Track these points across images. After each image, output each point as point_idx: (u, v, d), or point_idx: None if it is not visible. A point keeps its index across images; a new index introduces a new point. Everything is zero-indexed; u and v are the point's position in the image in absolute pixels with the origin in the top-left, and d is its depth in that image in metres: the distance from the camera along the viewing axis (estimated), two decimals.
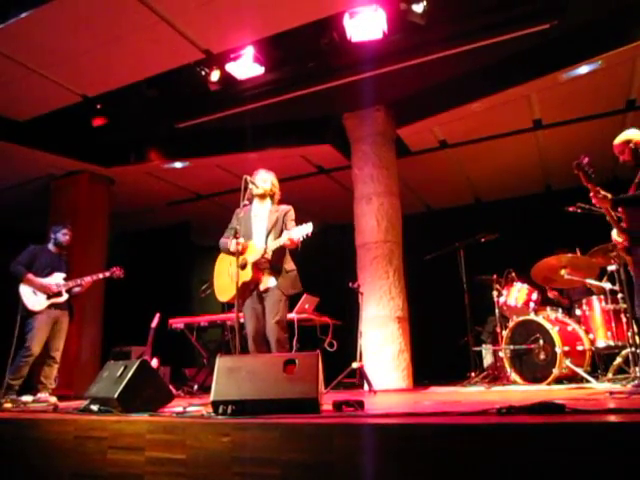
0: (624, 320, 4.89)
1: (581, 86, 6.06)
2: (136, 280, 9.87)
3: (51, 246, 5.53)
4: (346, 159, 7.35)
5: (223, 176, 8.14)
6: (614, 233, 3.77)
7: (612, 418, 1.82)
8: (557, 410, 1.99)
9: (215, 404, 2.54)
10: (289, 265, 4.06)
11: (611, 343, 5.04)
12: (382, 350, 6.11)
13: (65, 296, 5.36)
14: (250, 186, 3.93)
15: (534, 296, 5.53)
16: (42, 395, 5.16)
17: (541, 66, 5.79)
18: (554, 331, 4.95)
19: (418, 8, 4.78)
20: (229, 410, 2.47)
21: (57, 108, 6.28)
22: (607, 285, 5.05)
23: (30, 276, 5.21)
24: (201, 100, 6.37)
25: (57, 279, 5.35)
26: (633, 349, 4.53)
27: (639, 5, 5.09)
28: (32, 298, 5.18)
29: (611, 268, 4.97)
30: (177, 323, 6.19)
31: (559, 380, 4.95)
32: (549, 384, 4.86)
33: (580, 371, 4.85)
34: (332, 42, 5.30)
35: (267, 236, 3.99)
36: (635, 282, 3.58)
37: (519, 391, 4.62)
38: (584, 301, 5.41)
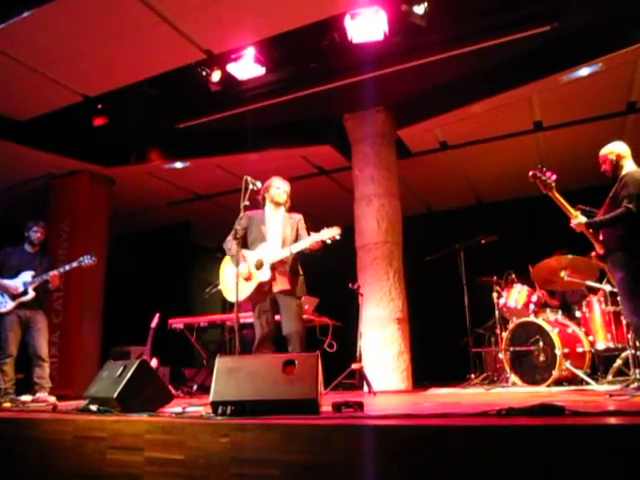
0: (624, 322, 4.88)
1: (582, 88, 6.06)
2: (136, 280, 9.93)
3: (26, 245, 5.48)
4: (347, 160, 7.34)
5: (223, 176, 8.15)
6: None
7: (612, 420, 1.82)
8: (557, 412, 1.99)
9: (214, 404, 2.54)
10: (300, 269, 4.25)
11: (611, 345, 5.03)
12: (382, 351, 6.11)
13: (31, 294, 5.25)
14: (251, 186, 3.93)
15: (534, 298, 5.52)
16: (41, 395, 5.15)
17: (542, 68, 5.80)
18: (554, 333, 4.95)
19: (419, 10, 4.78)
20: (228, 411, 2.46)
21: (58, 108, 6.28)
22: (607, 287, 5.05)
23: None
24: (202, 100, 6.37)
25: (24, 278, 5.28)
26: (633, 351, 4.53)
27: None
28: None
29: None
30: (177, 323, 6.18)
31: (559, 382, 4.95)
32: (549, 386, 4.85)
33: (580, 373, 4.84)
34: (333, 43, 5.30)
35: (283, 241, 4.15)
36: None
37: (519, 393, 4.61)
38: (584, 303, 5.41)
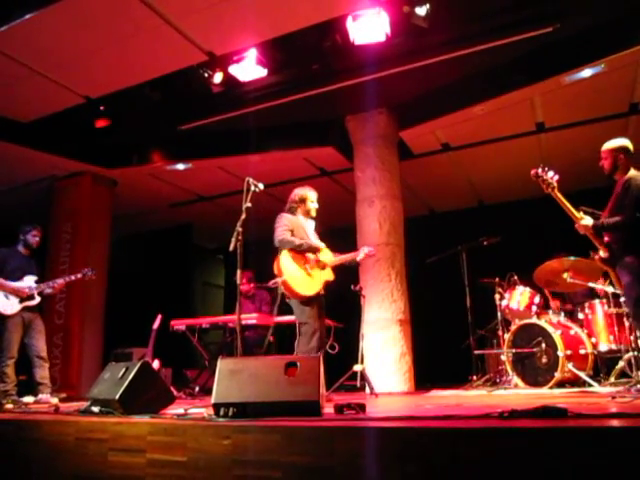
0: (627, 324, 4.88)
1: (584, 89, 6.06)
2: (138, 281, 9.94)
3: (21, 248, 5.49)
4: (348, 161, 7.34)
5: (225, 178, 8.15)
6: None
7: (614, 422, 1.82)
8: (559, 414, 1.98)
9: (216, 406, 2.54)
10: None
11: (613, 347, 5.03)
12: (384, 353, 6.10)
13: (37, 299, 5.35)
14: (252, 188, 3.93)
15: (536, 299, 5.51)
16: (43, 396, 5.17)
17: (544, 69, 5.79)
18: (556, 335, 4.94)
19: (421, 11, 4.78)
20: (230, 412, 2.46)
21: (60, 109, 6.30)
22: (610, 289, 5.04)
23: (1, 280, 5.19)
24: (204, 102, 6.38)
25: (29, 282, 5.33)
26: (636, 353, 4.52)
27: None
28: (4, 302, 5.18)
29: None
30: (178, 325, 6.18)
31: (561, 384, 4.94)
32: (551, 388, 4.84)
33: (582, 375, 4.83)
34: (335, 45, 5.31)
35: None
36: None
37: (521, 395, 4.60)
38: (586, 305, 5.40)
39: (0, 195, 8.39)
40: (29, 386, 5.35)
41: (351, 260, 4.68)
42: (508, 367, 5.30)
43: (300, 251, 4.39)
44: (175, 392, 4.54)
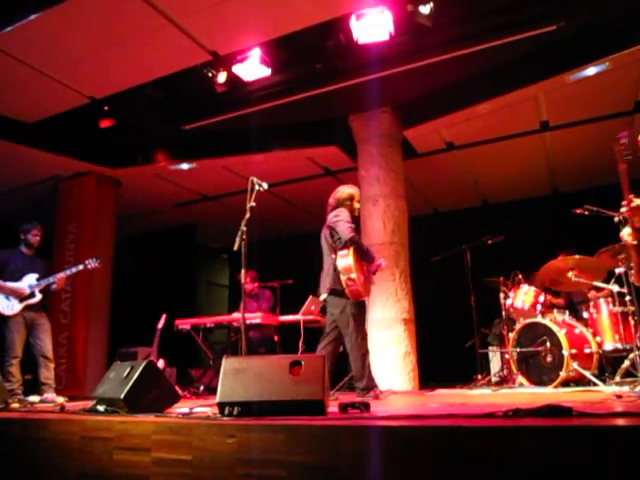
0: (632, 322, 4.86)
1: (589, 87, 6.04)
2: (143, 281, 9.97)
3: (23, 248, 5.50)
4: (352, 161, 7.34)
5: (229, 177, 8.16)
6: (625, 232, 3.73)
7: (620, 422, 1.81)
8: (564, 413, 1.98)
9: (221, 405, 2.54)
10: None
11: (619, 346, 5.00)
12: (388, 352, 6.09)
13: (38, 297, 5.33)
14: (257, 187, 3.93)
15: (541, 298, 5.49)
16: (49, 395, 5.19)
17: (548, 68, 5.77)
18: (561, 334, 4.93)
19: (425, 10, 4.78)
20: (235, 411, 2.47)
21: (65, 110, 6.32)
22: (615, 287, 5.02)
23: (0, 282, 5.21)
24: (208, 102, 6.39)
25: (29, 280, 5.33)
26: None
27: None
28: (4, 303, 5.19)
29: (619, 270, 4.94)
30: (183, 324, 6.19)
31: (566, 383, 4.92)
32: (556, 387, 4.83)
33: (587, 374, 4.82)
34: (338, 44, 5.31)
35: None
36: None
37: (526, 394, 4.59)
38: (591, 304, 5.38)
39: (5, 195, 8.43)
40: (35, 385, 5.37)
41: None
42: (513, 366, 5.29)
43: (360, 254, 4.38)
44: (180, 391, 4.55)
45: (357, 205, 4.71)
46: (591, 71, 5.66)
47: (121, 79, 5.80)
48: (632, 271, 3.67)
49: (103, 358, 7.46)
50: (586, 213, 4.86)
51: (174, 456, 2.23)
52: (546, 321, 5.13)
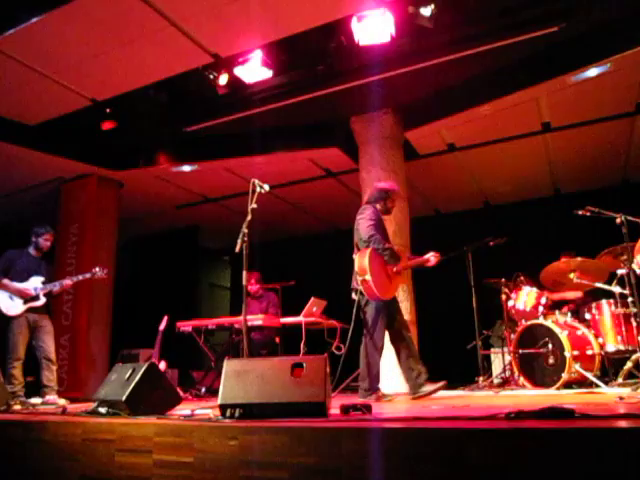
0: (634, 324, 4.85)
1: (590, 89, 6.03)
2: (144, 283, 9.98)
3: (31, 249, 5.50)
4: (354, 162, 7.34)
5: (231, 179, 8.17)
6: None
7: (622, 423, 1.81)
8: (566, 415, 1.97)
9: (223, 407, 2.54)
10: None
11: (621, 347, 4.99)
12: (390, 354, 6.07)
13: (43, 300, 5.34)
14: (258, 189, 3.93)
15: (543, 300, 5.49)
16: (50, 397, 5.19)
17: (550, 69, 5.77)
18: (563, 335, 4.92)
19: (426, 11, 4.78)
20: (236, 413, 2.47)
21: (67, 112, 6.33)
22: (617, 289, 5.01)
23: (5, 281, 5.20)
24: (209, 104, 6.40)
25: (35, 283, 5.33)
26: None
27: None
28: (8, 303, 5.18)
29: (621, 271, 4.93)
30: (185, 326, 6.19)
31: (568, 385, 4.91)
32: (558, 389, 4.82)
33: (590, 376, 4.81)
34: (340, 46, 5.32)
35: None
36: None
37: (528, 396, 4.58)
38: (593, 305, 5.37)
39: (7, 197, 8.45)
40: (36, 387, 5.37)
41: (420, 264, 4.59)
42: (515, 368, 5.28)
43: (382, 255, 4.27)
44: (181, 393, 4.56)
45: (391, 205, 4.53)
46: (593, 72, 5.66)
47: (123, 81, 5.81)
48: None
49: (105, 360, 7.47)
50: (588, 214, 4.85)
51: (176, 458, 2.23)
52: (548, 323, 5.12)
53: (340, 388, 5.44)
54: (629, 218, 4.73)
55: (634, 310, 4.77)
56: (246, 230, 3.83)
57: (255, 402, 2.52)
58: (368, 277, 4.08)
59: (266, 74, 5.52)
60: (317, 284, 6.69)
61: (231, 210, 9.16)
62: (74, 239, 7.74)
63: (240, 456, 2.08)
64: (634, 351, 4.81)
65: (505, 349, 6.05)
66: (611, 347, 5.06)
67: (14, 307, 5.19)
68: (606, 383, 4.82)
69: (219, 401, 2.57)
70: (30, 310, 5.26)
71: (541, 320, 5.24)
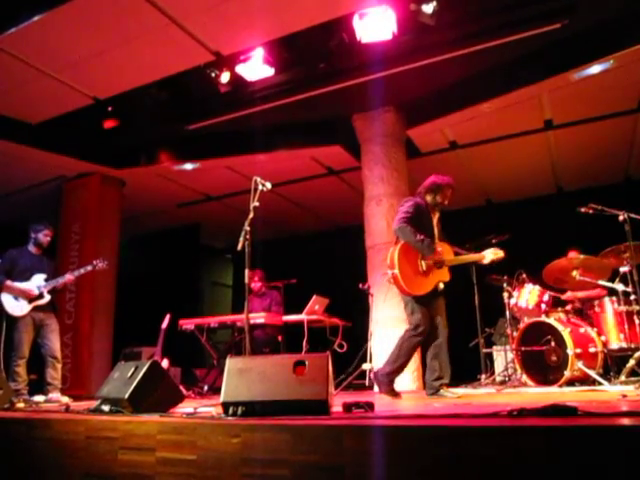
0: (637, 322, 4.84)
1: (593, 86, 6.02)
2: (146, 281, 9.99)
3: (31, 247, 5.49)
4: (356, 160, 7.34)
5: (233, 177, 8.17)
6: None
7: (625, 421, 1.80)
8: (569, 413, 1.97)
9: (225, 405, 2.54)
10: None
11: (624, 345, 4.98)
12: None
13: (47, 298, 5.34)
14: (260, 187, 3.93)
15: (545, 297, 5.48)
16: (53, 395, 5.20)
17: (552, 66, 5.75)
18: (566, 333, 4.91)
19: (428, 9, 4.77)
20: (239, 411, 2.47)
21: (69, 110, 6.34)
22: (620, 287, 5.00)
23: (9, 283, 5.19)
24: (211, 102, 6.39)
25: (37, 281, 5.33)
26: None
27: None
28: (13, 303, 5.18)
29: (624, 269, 4.92)
30: (187, 324, 6.20)
31: (571, 382, 4.91)
32: (561, 386, 4.82)
33: (592, 373, 4.80)
34: (342, 43, 5.30)
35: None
36: None
37: (530, 393, 4.58)
38: (596, 302, 5.36)
39: (10, 196, 8.46)
40: (40, 385, 5.39)
41: (473, 261, 4.48)
42: (517, 365, 5.28)
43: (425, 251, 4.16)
44: (184, 391, 4.56)
45: (440, 200, 4.44)
46: (595, 69, 5.64)
47: (125, 80, 5.82)
48: None
49: (107, 358, 7.48)
50: (591, 212, 4.84)
51: (179, 456, 2.23)
52: (550, 320, 5.11)
53: (343, 386, 5.44)
54: (632, 215, 4.72)
55: (637, 308, 4.77)
56: (248, 228, 3.83)
57: (257, 400, 2.52)
58: (396, 271, 4.05)
59: (268, 72, 5.52)
60: (319, 282, 6.68)
61: (233, 208, 9.16)
62: (76, 238, 7.75)
63: (243, 454, 2.09)
64: (637, 349, 4.80)
65: (507, 347, 6.04)
66: (614, 345, 5.05)
67: (19, 307, 5.20)
68: (609, 381, 4.81)
69: (221, 399, 2.57)
70: (35, 309, 5.27)
71: (543, 318, 5.24)
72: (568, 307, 5.70)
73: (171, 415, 2.72)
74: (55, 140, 7.07)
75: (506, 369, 6.12)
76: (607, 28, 5.43)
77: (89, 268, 5.52)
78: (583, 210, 4.89)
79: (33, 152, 7.02)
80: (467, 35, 5.35)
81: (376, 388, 5.40)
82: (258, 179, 3.94)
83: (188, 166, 7.80)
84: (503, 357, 6.44)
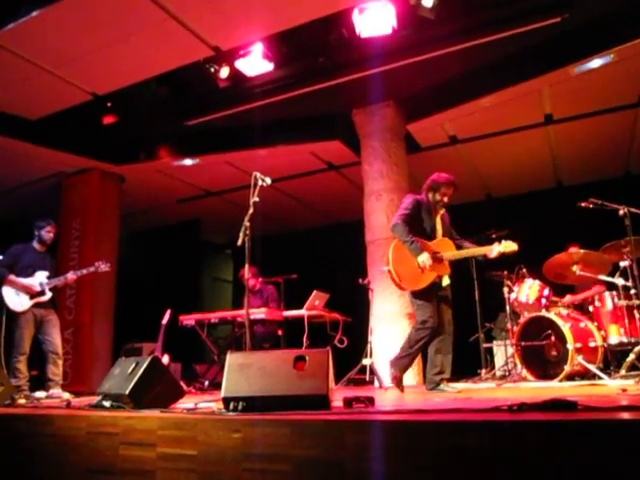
0: (637, 316, 4.84)
1: (593, 80, 6.00)
2: (147, 277, 10.00)
3: (35, 244, 5.50)
4: (356, 155, 7.33)
5: (233, 173, 8.16)
6: None
7: (625, 415, 1.80)
8: (569, 407, 1.97)
9: (226, 400, 2.55)
10: None
11: (624, 339, 4.99)
12: (392, 346, 6.07)
13: (48, 295, 5.35)
14: (260, 182, 3.93)
15: (545, 292, 5.48)
16: (54, 391, 5.22)
17: (552, 60, 5.74)
18: (566, 327, 4.91)
19: (428, 2, 4.75)
20: (240, 406, 2.47)
21: (68, 106, 6.32)
22: (620, 281, 5.01)
23: (12, 277, 5.20)
24: (210, 97, 6.38)
25: (40, 278, 5.34)
26: None
27: None
28: (15, 299, 5.19)
29: (624, 264, 4.92)
30: (188, 320, 6.20)
31: (571, 377, 4.91)
32: (561, 381, 4.82)
33: (592, 368, 4.81)
34: (341, 38, 5.29)
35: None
36: None
37: (530, 388, 4.59)
38: (596, 297, 5.37)
39: (9, 192, 8.46)
40: (41, 381, 5.40)
41: (478, 255, 4.42)
42: (517, 360, 5.29)
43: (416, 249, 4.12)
44: (185, 386, 4.56)
45: (439, 197, 4.38)
46: (596, 63, 5.63)
47: (124, 75, 5.80)
48: None
49: (108, 354, 7.49)
50: (591, 206, 4.84)
51: (179, 451, 2.24)
52: (551, 315, 5.11)
53: (343, 381, 5.45)
54: (632, 210, 4.72)
55: (637, 302, 4.77)
56: (248, 223, 3.83)
57: (258, 395, 2.52)
58: (390, 268, 4.10)
59: (267, 67, 5.51)
60: (319, 277, 6.69)
61: (233, 204, 9.15)
62: (76, 234, 7.75)
63: (243, 449, 2.09)
64: (637, 343, 4.81)
65: (508, 341, 6.05)
66: (614, 339, 5.06)
67: (21, 303, 5.20)
68: (609, 375, 4.82)
69: (222, 394, 2.57)
70: (36, 305, 5.28)
71: (544, 312, 5.24)
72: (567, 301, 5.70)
73: (172, 410, 2.72)
74: (54, 136, 7.06)
75: (506, 364, 6.13)
76: (607, 22, 5.42)
77: (91, 269, 5.54)
78: (583, 205, 4.88)
79: (32, 148, 7.01)
80: (467, 29, 5.33)
81: (376, 383, 5.41)
82: (258, 174, 3.94)
83: (188, 162, 7.79)
84: (503, 352, 6.44)
